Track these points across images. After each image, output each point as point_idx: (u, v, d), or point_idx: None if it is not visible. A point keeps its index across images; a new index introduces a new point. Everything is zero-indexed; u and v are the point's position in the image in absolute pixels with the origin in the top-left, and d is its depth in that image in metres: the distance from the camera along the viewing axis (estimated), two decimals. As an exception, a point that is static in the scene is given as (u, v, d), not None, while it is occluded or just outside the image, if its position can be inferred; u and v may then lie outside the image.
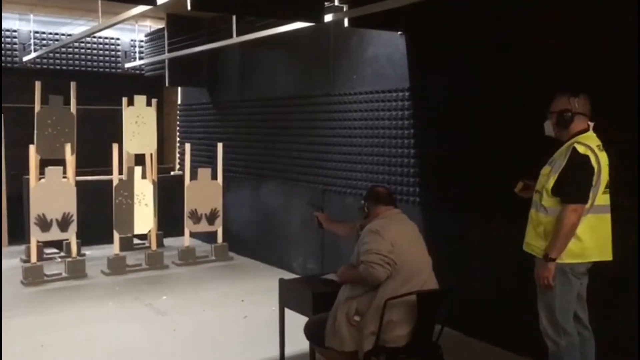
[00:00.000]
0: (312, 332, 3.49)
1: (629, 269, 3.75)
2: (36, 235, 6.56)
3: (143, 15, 7.89)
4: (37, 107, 6.95)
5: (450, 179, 5.01)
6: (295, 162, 6.80)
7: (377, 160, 5.74)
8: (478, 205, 4.74)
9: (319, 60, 6.43)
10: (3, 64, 8.70)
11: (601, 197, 3.31)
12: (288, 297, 3.96)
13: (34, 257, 6.59)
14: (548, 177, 3.33)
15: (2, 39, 8.74)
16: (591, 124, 3.38)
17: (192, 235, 7.66)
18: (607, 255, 3.38)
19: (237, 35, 6.35)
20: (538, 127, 3.58)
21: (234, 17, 6.31)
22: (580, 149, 3.24)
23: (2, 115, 8.17)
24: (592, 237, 3.31)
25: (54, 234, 6.67)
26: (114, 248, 7.08)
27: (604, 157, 3.31)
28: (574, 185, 3.23)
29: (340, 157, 6.18)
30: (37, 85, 6.93)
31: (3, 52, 8.73)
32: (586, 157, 3.23)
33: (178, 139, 9.60)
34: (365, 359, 3.21)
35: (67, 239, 7.01)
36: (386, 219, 3.35)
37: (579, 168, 3.23)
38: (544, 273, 3.29)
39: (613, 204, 3.39)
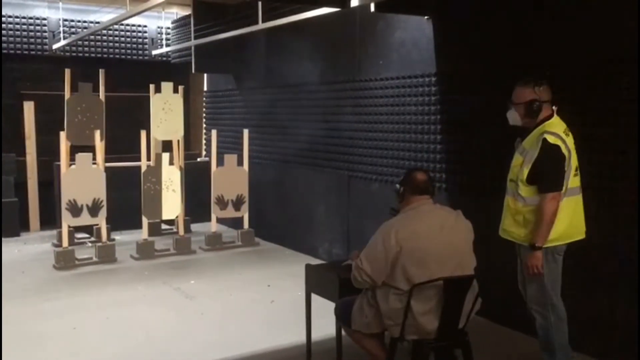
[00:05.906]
0: (341, 311, 3.52)
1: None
2: (67, 220, 6.69)
3: (169, 2, 7.98)
4: (67, 94, 7.04)
5: (477, 165, 4.97)
6: (321, 148, 6.80)
7: (403, 147, 5.70)
8: (504, 191, 4.69)
9: (345, 46, 6.40)
10: (33, 52, 8.90)
11: (573, 180, 3.48)
12: (314, 283, 3.98)
13: (65, 242, 6.72)
14: (521, 167, 3.48)
15: (33, 27, 8.92)
16: (555, 109, 3.52)
17: (219, 221, 7.74)
18: (581, 234, 3.59)
19: (263, 21, 6.35)
20: (565, 113, 3.57)
21: (259, 3, 6.31)
22: (551, 139, 3.38)
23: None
24: (569, 219, 3.49)
25: (85, 219, 6.79)
26: (143, 233, 7.19)
27: (571, 141, 3.47)
28: (550, 175, 3.40)
29: (366, 143, 6.17)
30: (67, 72, 7.02)
31: (33, 40, 8.94)
32: (557, 147, 3.39)
33: (204, 125, 9.67)
34: (391, 344, 3.24)
35: (97, 224, 7.14)
36: (408, 213, 3.26)
37: (552, 159, 3.39)
38: (533, 262, 3.46)
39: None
